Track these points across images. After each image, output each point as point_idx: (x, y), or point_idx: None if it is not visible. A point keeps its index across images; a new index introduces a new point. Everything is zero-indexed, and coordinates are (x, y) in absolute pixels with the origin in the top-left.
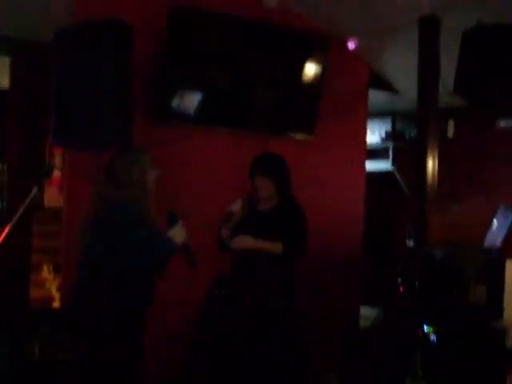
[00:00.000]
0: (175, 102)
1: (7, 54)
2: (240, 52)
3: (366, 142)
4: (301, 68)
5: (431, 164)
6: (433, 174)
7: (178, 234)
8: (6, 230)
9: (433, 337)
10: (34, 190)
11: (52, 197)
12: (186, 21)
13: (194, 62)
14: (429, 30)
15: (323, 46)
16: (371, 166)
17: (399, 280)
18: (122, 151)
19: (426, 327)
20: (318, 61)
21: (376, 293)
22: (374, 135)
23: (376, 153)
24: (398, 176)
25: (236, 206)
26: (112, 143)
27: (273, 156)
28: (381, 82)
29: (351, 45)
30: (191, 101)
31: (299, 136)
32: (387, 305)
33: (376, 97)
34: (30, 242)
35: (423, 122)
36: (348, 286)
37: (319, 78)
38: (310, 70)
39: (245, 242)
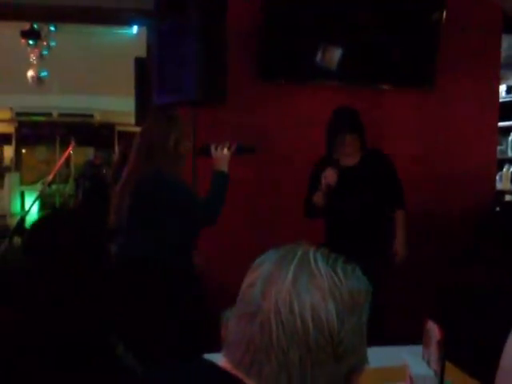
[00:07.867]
0: (283, 61)
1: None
2: (347, 4)
3: (498, 92)
4: (416, 19)
5: None
6: None
7: (219, 159)
8: None
9: None
10: None
11: None
12: None
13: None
14: None
15: None
16: None
17: None
18: (158, 115)
19: None
20: (434, 9)
21: None
22: None
23: None
24: None
25: (333, 179)
26: (205, 102)
27: (354, 111)
28: None
29: None
30: (302, 58)
31: (417, 89)
32: None
33: None
34: None
35: None
36: None
37: (437, 28)
38: (426, 20)
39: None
